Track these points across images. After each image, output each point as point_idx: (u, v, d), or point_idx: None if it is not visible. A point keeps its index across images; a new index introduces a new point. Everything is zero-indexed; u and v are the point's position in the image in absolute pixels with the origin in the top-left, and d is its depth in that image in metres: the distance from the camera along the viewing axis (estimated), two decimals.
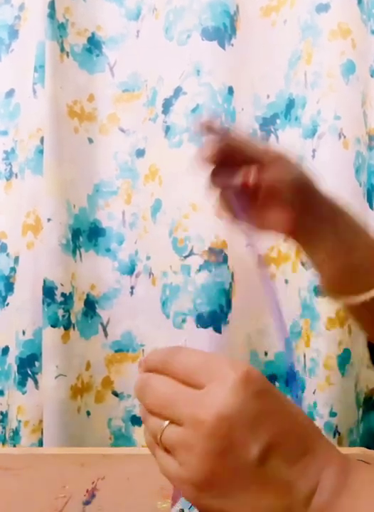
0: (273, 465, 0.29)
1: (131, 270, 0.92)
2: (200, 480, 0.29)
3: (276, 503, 0.30)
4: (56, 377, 0.83)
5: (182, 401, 0.30)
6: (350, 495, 0.30)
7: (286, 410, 0.31)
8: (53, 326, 0.83)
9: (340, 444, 0.80)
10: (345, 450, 0.75)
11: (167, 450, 0.31)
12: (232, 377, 0.30)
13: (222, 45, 0.85)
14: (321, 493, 0.30)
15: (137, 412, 0.90)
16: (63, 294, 0.84)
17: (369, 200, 0.87)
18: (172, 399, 0.31)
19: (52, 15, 0.87)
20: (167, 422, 0.31)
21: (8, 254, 0.92)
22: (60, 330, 0.84)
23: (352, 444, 0.82)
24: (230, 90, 0.86)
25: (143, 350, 0.91)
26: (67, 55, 0.91)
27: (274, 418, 0.30)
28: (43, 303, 0.83)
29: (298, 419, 0.31)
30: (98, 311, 0.92)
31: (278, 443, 0.30)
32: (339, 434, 0.80)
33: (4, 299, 0.92)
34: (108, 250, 0.93)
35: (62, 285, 0.84)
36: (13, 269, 0.91)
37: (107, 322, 0.91)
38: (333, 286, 0.53)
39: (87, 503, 0.55)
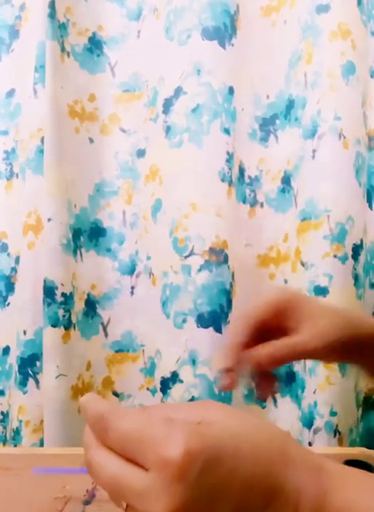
0: None
1: (131, 270, 0.92)
2: None
3: None
4: (57, 377, 0.83)
5: (130, 491, 0.29)
6: None
7: (240, 465, 0.29)
8: (54, 325, 0.83)
9: (340, 443, 0.80)
10: (345, 450, 0.75)
11: None
12: (171, 463, 0.27)
13: (222, 45, 0.85)
14: None
15: None
16: (64, 294, 0.84)
17: (369, 201, 0.87)
18: (120, 485, 0.29)
19: (52, 15, 0.87)
20: (125, 505, 0.29)
21: (8, 254, 0.92)
22: (61, 330, 0.84)
23: (352, 444, 0.82)
24: (230, 90, 0.86)
25: (143, 350, 0.91)
26: (68, 55, 0.91)
27: (230, 483, 0.28)
28: (44, 303, 0.83)
29: (256, 464, 0.29)
30: (98, 311, 0.92)
31: (242, 502, 0.29)
32: (339, 433, 0.80)
33: (5, 298, 0.92)
34: (108, 250, 0.93)
35: (62, 285, 0.84)
36: (13, 269, 0.92)
37: (108, 322, 0.92)
38: None
39: (87, 503, 0.55)
